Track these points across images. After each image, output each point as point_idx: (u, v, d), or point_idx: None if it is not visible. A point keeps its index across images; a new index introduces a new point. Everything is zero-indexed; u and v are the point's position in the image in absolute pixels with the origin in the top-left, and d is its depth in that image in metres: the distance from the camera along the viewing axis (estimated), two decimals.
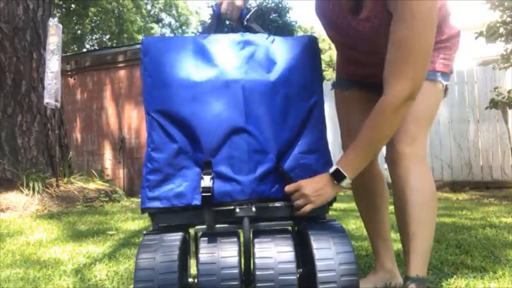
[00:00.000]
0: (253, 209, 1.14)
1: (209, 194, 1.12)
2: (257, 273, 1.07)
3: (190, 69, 1.19)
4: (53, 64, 4.23)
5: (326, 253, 1.07)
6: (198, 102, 1.17)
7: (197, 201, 1.15)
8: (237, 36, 1.24)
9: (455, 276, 1.60)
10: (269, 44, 1.25)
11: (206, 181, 1.12)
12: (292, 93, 1.23)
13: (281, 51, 1.25)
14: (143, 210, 1.18)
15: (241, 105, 1.17)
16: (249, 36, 1.26)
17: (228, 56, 1.21)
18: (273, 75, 1.21)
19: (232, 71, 1.19)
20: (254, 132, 1.16)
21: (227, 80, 1.18)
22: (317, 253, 1.07)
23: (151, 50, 1.21)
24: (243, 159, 1.16)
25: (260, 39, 1.25)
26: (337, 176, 1.16)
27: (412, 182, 1.26)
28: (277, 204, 1.21)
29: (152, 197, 1.17)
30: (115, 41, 16.40)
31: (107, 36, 17.27)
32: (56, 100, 4.26)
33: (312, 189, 1.15)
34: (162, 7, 19.96)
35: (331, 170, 1.17)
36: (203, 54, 1.21)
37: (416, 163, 1.27)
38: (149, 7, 19.38)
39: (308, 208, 1.17)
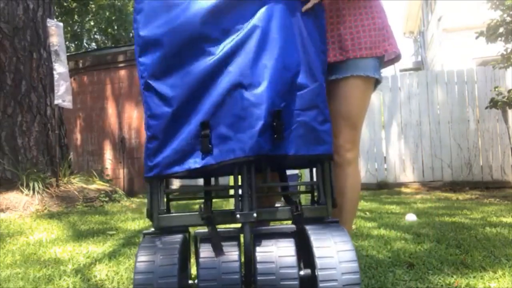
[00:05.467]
0: (254, 215, 1.11)
1: (208, 156, 1.12)
2: (259, 278, 1.04)
3: (190, 27, 1.12)
4: (58, 65, 4.22)
5: (328, 261, 1.04)
6: (197, 60, 1.13)
7: (197, 164, 1.13)
8: None
9: (455, 276, 1.60)
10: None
11: (205, 145, 1.12)
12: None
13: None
14: (146, 179, 1.16)
15: (251, 53, 1.12)
16: None
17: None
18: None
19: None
20: (254, 86, 1.12)
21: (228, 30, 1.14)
22: (319, 262, 1.03)
23: (145, 7, 1.14)
24: (242, 116, 1.12)
25: None
26: None
27: (350, 184, 1.48)
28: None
29: (152, 166, 1.15)
30: (112, 32, 16.11)
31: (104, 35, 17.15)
32: (64, 100, 4.25)
33: None
34: None
35: None
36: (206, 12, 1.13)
37: (354, 167, 1.48)
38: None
39: None
